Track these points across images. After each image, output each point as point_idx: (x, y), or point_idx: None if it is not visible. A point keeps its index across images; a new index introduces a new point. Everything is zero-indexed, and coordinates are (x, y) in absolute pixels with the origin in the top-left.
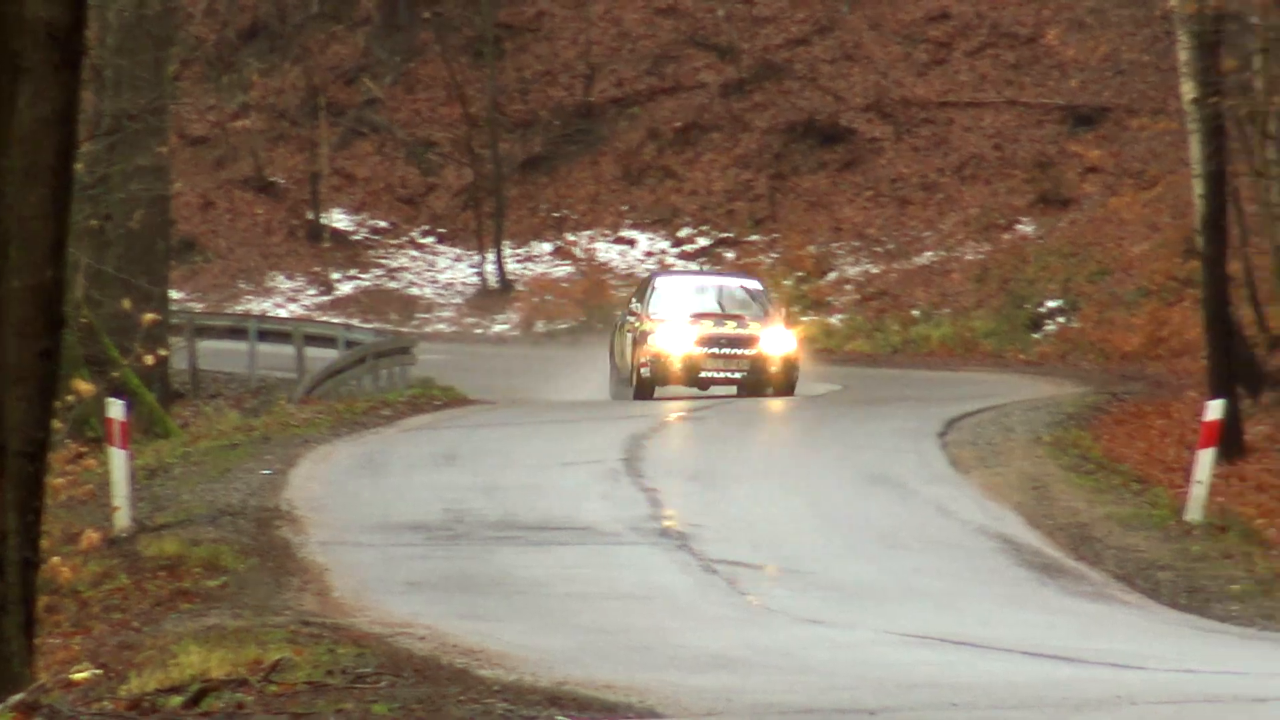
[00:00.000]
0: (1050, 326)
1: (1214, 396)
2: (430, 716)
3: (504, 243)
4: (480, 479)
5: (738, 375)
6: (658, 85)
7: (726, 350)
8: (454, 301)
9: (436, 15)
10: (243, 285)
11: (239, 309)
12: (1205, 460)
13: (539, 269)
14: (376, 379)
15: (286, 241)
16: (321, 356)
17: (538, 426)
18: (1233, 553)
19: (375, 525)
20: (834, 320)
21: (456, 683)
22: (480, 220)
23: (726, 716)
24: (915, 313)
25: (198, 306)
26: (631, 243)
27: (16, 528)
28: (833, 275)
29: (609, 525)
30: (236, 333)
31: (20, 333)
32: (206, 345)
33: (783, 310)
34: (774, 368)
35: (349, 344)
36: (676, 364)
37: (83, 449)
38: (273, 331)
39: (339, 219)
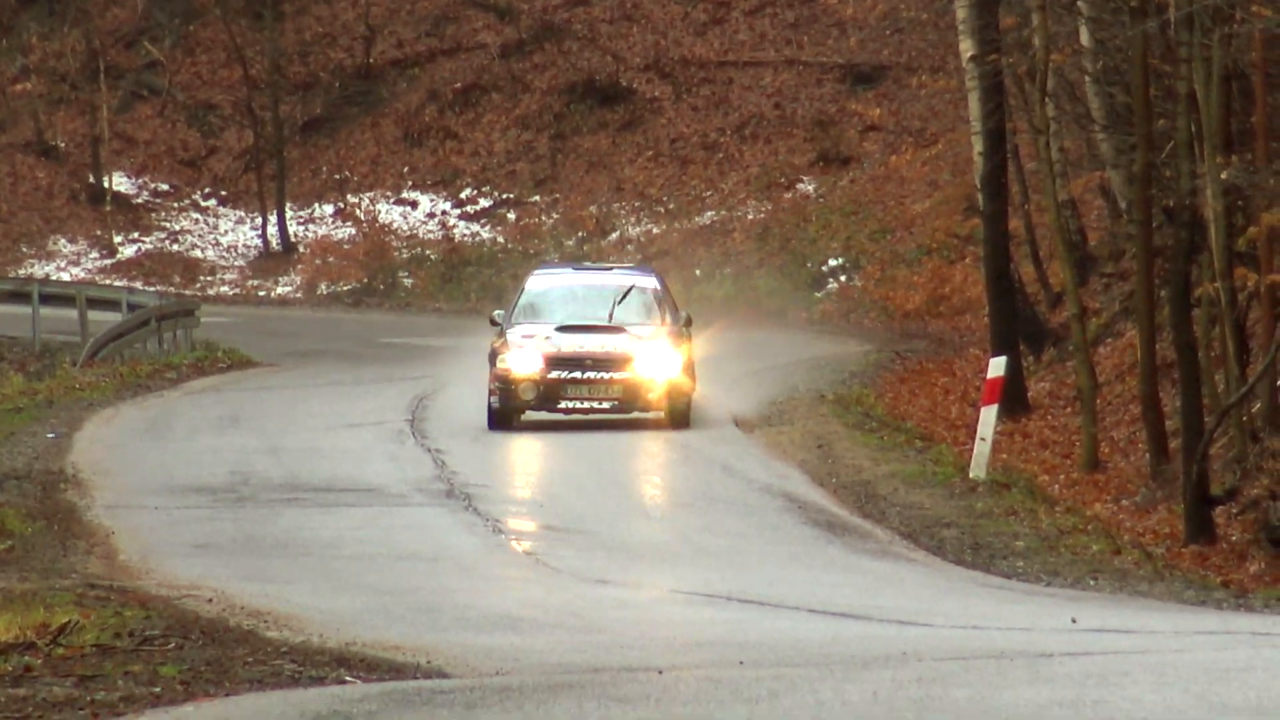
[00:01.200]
0: (832, 285)
1: (996, 353)
2: (218, 678)
3: (286, 205)
4: (265, 441)
5: (605, 405)
6: (437, 46)
7: (591, 374)
8: (237, 264)
9: None
10: (24, 249)
11: (21, 273)
12: (989, 417)
13: (321, 231)
14: (160, 342)
15: (68, 205)
16: (105, 320)
17: (322, 388)
18: (1016, 509)
19: (161, 488)
20: None
21: (244, 644)
22: (262, 183)
23: (514, 676)
24: (697, 272)
25: None
26: (414, 204)
27: None
28: (614, 235)
29: (395, 486)
30: (19, 296)
31: None
32: None
33: (681, 316)
34: (652, 394)
35: (132, 307)
36: (528, 392)
37: None
38: (55, 295)
39: (120, 182)
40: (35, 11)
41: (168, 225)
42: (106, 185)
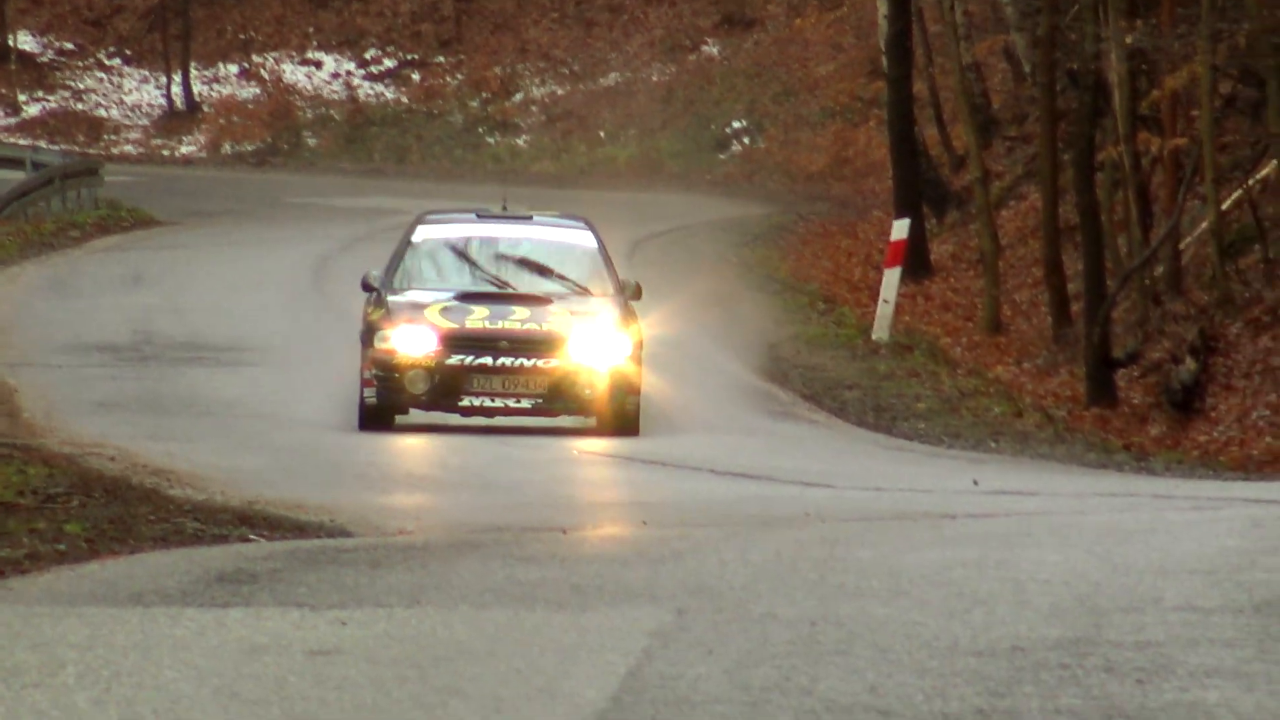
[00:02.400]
0: (736, 147)
1: (899, 216)
2: (122, 536)
3: (191, 65)
4: (168, 300)
5: (525, 404)
6: None
7: (506, 360)
8: (141, 123)
9: None
10: None
11: None
12: (891, 280)
13: (226, 91)
14: (64, 201)
15: None
16: (8, 178)
17: (226, 248)
18: (919, 371)
19: (64, 346)
20: (520, 141)
21: (147, 502)
22: (167, 42)
23: (418, 535)
24: (601, 134)
25: None
26: (318, 64)
27: None
28: (519, 96)
29: (298, 346)
30: None
31: None
32: None
33: (625, 285)
34: (590, 390)
35: (36, 165)
36: (418, 383)
37: None
38: None
39: (25, 41)
40: None
41: (72, 84)
42: (11, 44)
